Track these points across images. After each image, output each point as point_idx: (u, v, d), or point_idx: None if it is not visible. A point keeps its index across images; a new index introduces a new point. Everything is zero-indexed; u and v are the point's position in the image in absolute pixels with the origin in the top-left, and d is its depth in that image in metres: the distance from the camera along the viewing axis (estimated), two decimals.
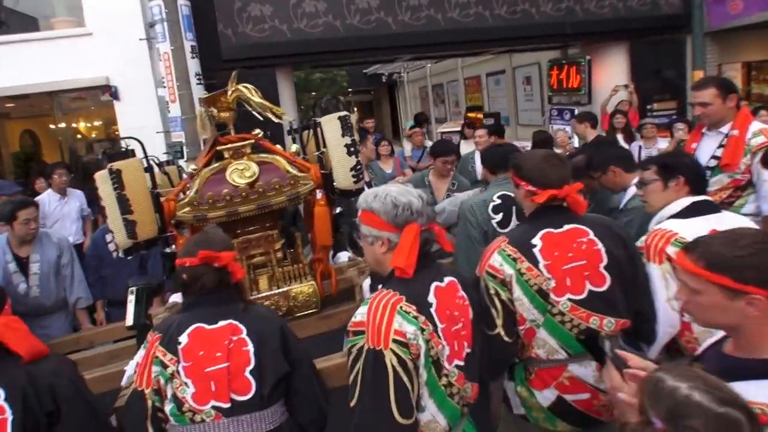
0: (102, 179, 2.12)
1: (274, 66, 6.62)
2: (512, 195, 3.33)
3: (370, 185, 4.11)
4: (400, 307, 1.48)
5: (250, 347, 1.69)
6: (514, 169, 2.01)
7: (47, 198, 5.02)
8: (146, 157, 2.15)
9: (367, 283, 2.65)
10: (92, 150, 9.62)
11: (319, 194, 2.56)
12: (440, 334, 1.52)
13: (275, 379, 1.69)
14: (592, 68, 8.22)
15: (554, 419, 1.87)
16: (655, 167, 2.25)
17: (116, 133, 8.06)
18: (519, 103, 12.40)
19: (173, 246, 2.38)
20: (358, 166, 2.35)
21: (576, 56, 8.69)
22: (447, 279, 1.64)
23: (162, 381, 1.64)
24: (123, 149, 2.11)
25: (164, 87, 5.50)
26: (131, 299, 2.15)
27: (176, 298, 2.56)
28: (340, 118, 2.30)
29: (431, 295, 1.56)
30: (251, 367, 1.67)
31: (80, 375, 1.75)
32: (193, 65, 5.58)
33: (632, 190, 2.90)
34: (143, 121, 6.04)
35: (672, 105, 8.44)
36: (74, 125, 9.76)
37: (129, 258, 3.50)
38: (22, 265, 3.34)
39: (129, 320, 2.14)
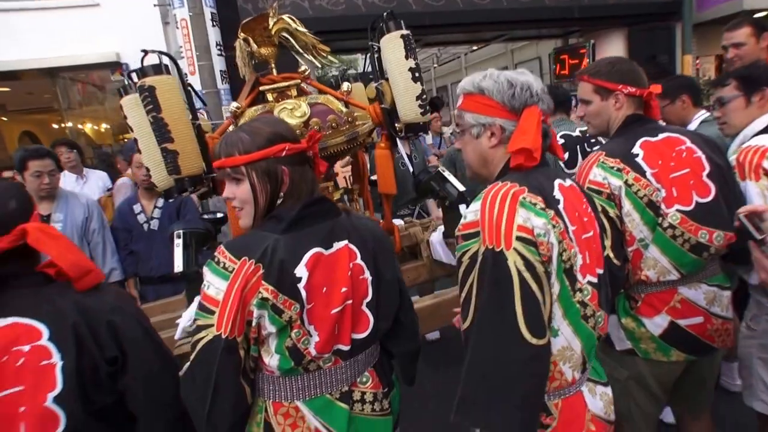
0: (131, 104, 1.68)
1: None
2: (574, 134, 3.07)
3: (411, 158, 3.69)
4: (524, 198, 1.11)
5: (367, 275, 1.27)
6: (607, 76, 1.69)
7: (61, 180, 4.29)
8: (182, 79, 1.70)
9: (435, 237, 2.24)
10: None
11: (377, 137, 2.17)
12: (572, 237, 1.16)
13: (393, 312, 1.33)
14: (596, 54, 8.08)
15: (668, 348, 1.63)
16: (734, 82, 1.97)
17: (126, 138, 7.23)
18: None
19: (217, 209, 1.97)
20: (425, 96, 1.93)
21: (583, 41, 8.43)
22: (569, 181, 1.28)
23: (271, 329, 1.15)
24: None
25: (182, 58, 4.88)
26: (178, 243, 1.70)
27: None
28: (402, 36, 1.87)
29: (556, 190, 1.21)
30: (369, 299, 1.27)
31: (144, 313, 1.29)
32: (214, 34, 4.97)
33: (693, 126, 2.73)
34: None
35: None
36: (80, 126, 8.43)
37: (164, 213, 3.03)
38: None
39: (178, 266, 1.68)
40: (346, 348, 1.23)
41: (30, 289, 1.09)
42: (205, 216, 2.17)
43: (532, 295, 1.05)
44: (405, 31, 1.88)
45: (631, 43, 8.12)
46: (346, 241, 1.25)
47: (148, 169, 1.71)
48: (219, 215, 2.14)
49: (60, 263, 1.07)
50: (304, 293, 1.15)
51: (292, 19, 2.09)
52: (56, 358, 1.03)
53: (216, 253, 1.16)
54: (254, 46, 2.08)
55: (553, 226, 1.11)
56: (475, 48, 13.50)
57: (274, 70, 2.12)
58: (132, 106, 1.67)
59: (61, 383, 1.02)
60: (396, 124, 1.96)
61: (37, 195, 2.79)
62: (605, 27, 8.07)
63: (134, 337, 1.15)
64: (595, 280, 1.21)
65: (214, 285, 1.13)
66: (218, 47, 5.06)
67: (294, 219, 1.19)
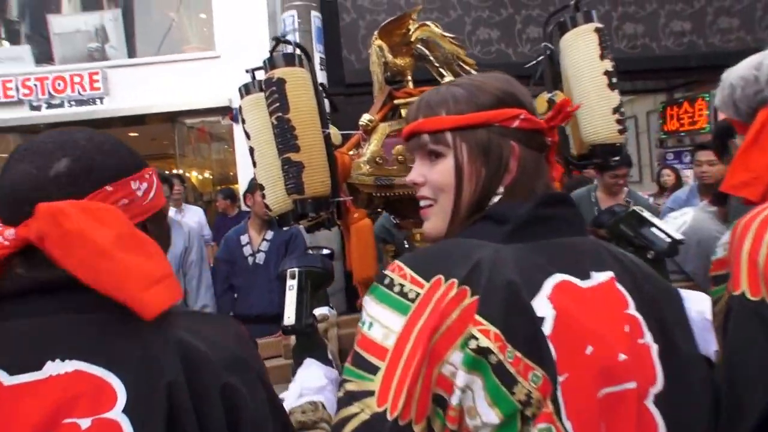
0: (251, 105, 1.27)
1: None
2: None
3: None
4: None
5: (649, 340, 0.65)
6: None
7: None
8: (315, 77, 1.26)
9: None
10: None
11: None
12: None
13: (703, 424, 0.67)
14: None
15: None
16: None
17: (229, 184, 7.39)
18: None
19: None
20: (622, 108, 1.37)
21: (697, 93, 7.49)
22: None
23: (489, 417, 0.55)
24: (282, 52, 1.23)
25: None
26: (291, 285, 1.18)
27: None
28: (597, 30, 1.34)
29: None
30: (658, 387, 0.63)
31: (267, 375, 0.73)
32: (322, 77, 4.90)
33: None
34: None
35: None
36: (187, 174, 8.70)
37: (265, 255, 2.68)
38: None
39: (289, 318, 1.14)
40: None
41: (106, 314, 0.59)
42: (310, 251, 1.69)
43: None
44: (599, 24, 1.35)
45: None
46: (611, 273, 0.67)
47: (262, 187, 1.26)
48: (326, 251, 1.64)
49: (81, 273, 0.57)
50: (553, 350, 0.58)
51: (437, 25, 1.67)
52: None
53: (387, 271, 0.65)
54: (389, 56, 1.67)
55: None
56: None
57: (410, 83, 1.69)
58: (251, 108, 1.27)
59: None
60: (585, 138, 1.40)
61: None
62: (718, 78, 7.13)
63: (259, 420, 0.61)
64: None
65: (381, 322, 0.61)
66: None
67: (527, 220, 0.66)
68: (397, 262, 0.65)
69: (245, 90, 1.30)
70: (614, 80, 1.34)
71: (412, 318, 0.58)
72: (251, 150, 1.27)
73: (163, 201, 0.72)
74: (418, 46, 1.70)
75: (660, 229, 1.39)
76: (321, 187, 1.19)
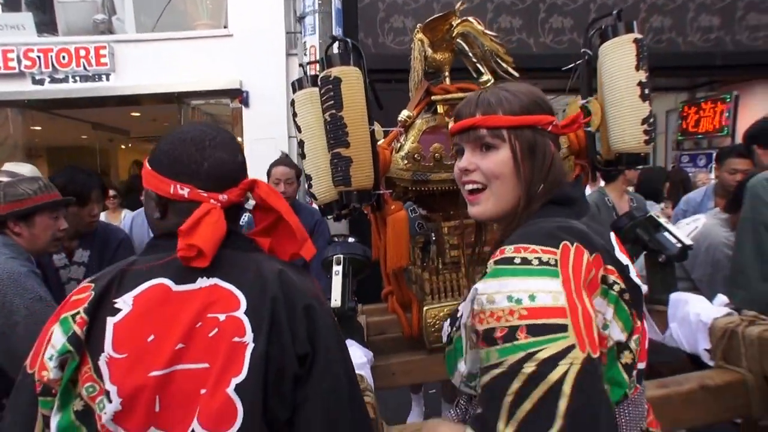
0: (303, 99, 1.40)
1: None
2: None
3: None
4: None
5: None
6: None
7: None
8: (365, 75, 1.39)
9: None
10: None
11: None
12: None
13: None
14: (739, 107, 7.16)
15: None
16: None
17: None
18: None
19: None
20: (652, 119, 1.51)
21: (720, 93, 7.56)
22: None
23: (618, 334, 0.79)
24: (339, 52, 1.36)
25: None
26: (337, 271, 1.36)
27: None
28: (636, 41, 1.48)
29: None
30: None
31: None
32: None
33: None
34: (272, 130, 5.30)
35: None
36: None
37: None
38: None
39: (336, 300, 1.34)
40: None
41: (240, 252, 0.90)
42: (336, 239, 1.85)
43: None
44: (638, 35, 1.48)
45: None
46: None
47: (309, 177, 1.40)
48: (351, 240, 1.80)
49: (290, 218, 0.93)
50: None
51: (479, 22, 1.79)
52: (248, 338, 0.80)
53: (511, 254, 0.76)
54: (428, 51, 1.79)
55: None
56: None
57: (448, 79, 1.81)
58: (304, 102, 1.40)
59: (246, 370, 0.79)
60: (615, 145, 1.53)
61: None
62: (749, 78, 7.14)
63: (328, 335, 0.87)
64: None
65: (542, 290, 0.72)
66: None
67: (579, 200, 0.91)
68: (515, 245, 0.78)
69: (298, 84, 1.43)
70: (647, 91, 1.48)
71: (564, 277, 0.73)
72: (301, 143, 1.41)
73: None
74: (458, 41, 1.82)
75: (673, 235, 1.54)
76: (366, 181, 1.33)
